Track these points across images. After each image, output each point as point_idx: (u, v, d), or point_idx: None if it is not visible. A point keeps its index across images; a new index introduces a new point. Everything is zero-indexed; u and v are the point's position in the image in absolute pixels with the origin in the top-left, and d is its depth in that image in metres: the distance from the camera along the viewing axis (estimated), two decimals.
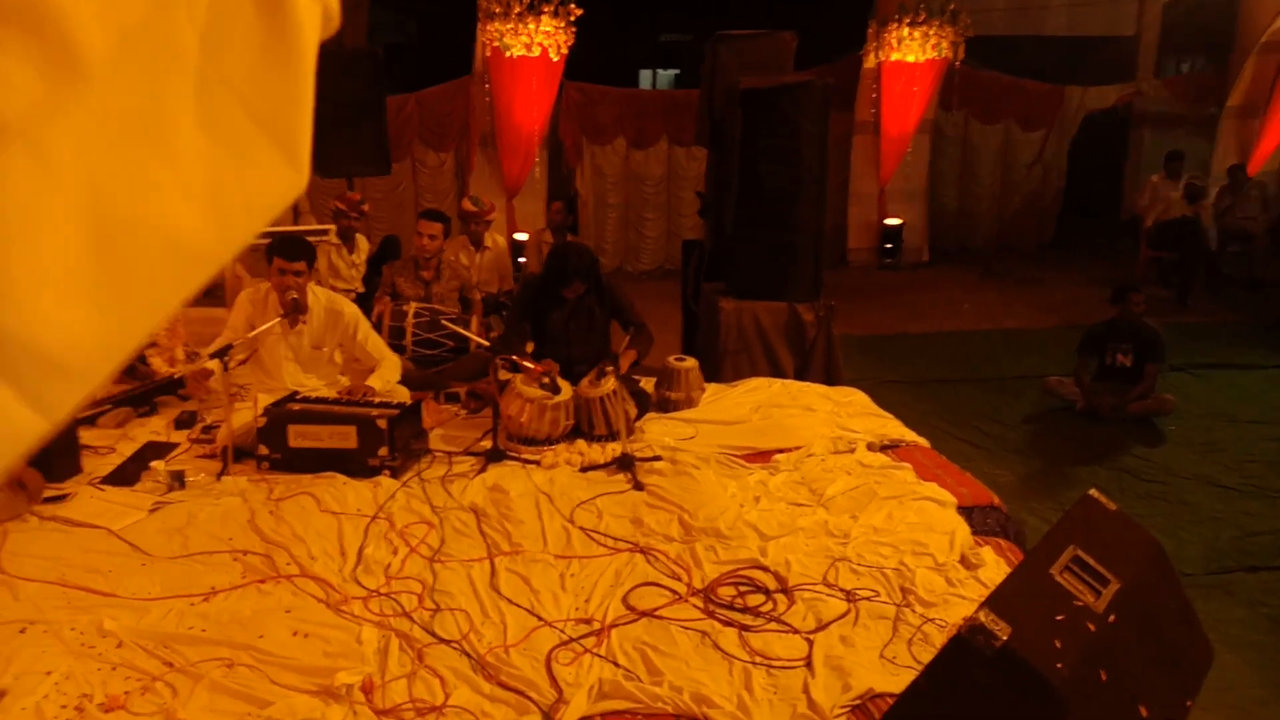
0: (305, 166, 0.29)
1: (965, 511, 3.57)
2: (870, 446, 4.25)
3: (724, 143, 5.91)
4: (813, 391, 5.06)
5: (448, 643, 2.73)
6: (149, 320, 0.30)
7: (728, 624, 2.84)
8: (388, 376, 4.42)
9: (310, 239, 4.72)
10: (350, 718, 2.37)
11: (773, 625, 2.84)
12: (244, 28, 0.31)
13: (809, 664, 2.61)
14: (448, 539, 3.40)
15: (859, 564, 3.19)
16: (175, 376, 5.06)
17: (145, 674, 2.54)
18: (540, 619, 2.87)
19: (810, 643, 2.71)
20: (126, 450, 4.19)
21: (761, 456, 4.25)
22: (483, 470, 4.00)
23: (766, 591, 3.03)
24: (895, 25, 10.05)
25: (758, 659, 2.65)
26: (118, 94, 0.28)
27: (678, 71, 16.30)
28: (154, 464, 3.91)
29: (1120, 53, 12.47)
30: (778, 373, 5.56)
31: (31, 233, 0.27)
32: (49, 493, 3.63)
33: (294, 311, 4.22)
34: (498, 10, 8.26)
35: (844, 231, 10.99)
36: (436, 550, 3.31)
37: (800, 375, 5.54)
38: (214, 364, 4.02)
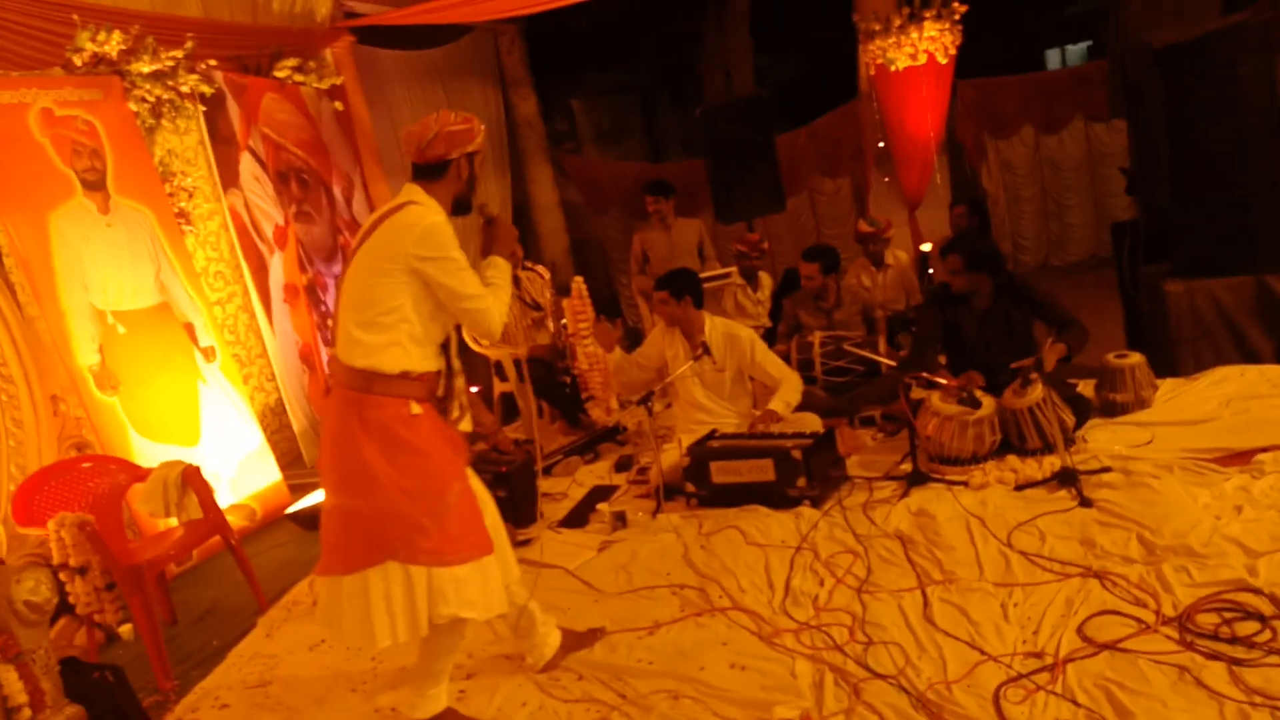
0: None
1: None
2: None
3: (1143, 109, 5.23)
4: None
5: (884, 678, 2.61)
6: None
7: (1213, 657, 2.42)
8: (788, 398, 4.45)
9: (713, 283, 4.95)
10: None
11: (1274, 658, 2.36)
12: None
13: None
14: (874, 568, 3.30)
15: None
16: (612, 424, 5.52)
17: (603, 704, 2.74)
18: (983, 653, 2.65)
19: None
20: (576, 495, 4.64)
21: (1240, 458, 3.67)
22: (905, 495, 3.84)
23: (1262, 618, 2.54)
24: None
25: (1257, 699, 2.21)
26: None
27: (1090, 43, 14.81)
28: (600, 506, 4.28)
29: None
30: (1250, 358, 4.75)
31: None
32: (519, 536, 4.10)
33: (704, 354, 4.42)
34: (877, 28, 8.08)
35: None
36: (864, 580, 3.22)
37: None
38: (640, 410, 4.32)
